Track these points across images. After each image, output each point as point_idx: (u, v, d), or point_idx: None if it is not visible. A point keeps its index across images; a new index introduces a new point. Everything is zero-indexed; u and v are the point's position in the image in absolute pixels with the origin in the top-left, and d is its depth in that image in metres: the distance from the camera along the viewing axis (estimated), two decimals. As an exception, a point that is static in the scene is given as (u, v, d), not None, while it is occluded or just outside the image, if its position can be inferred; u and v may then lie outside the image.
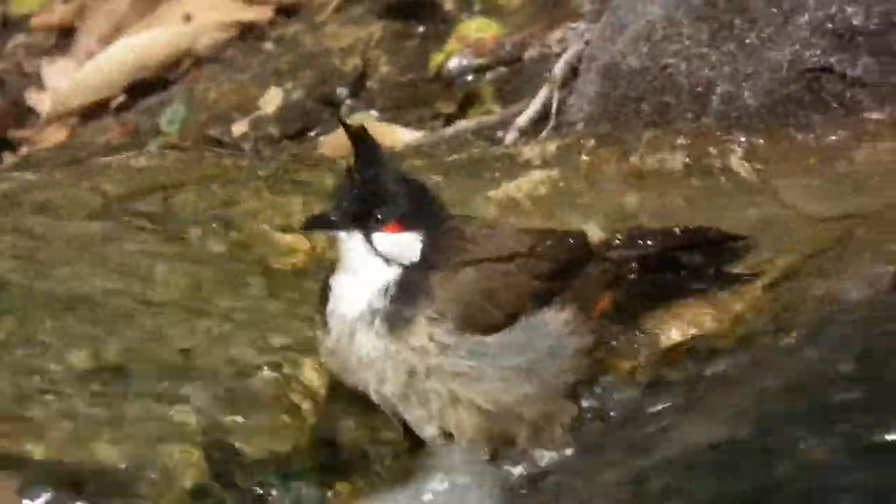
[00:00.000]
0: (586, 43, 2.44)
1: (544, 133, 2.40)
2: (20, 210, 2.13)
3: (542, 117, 2.44)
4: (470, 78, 2.67)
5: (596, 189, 2.15)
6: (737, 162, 2.16)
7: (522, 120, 2.44)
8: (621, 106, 2.31)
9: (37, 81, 3.12)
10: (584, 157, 2.19)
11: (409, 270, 1.88)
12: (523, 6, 2.77)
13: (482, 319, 1.87)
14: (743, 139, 2.17)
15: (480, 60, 2.69)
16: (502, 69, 2.65)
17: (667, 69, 2.28)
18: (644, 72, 2.29)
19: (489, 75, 2.66)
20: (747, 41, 2.24)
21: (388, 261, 1.89)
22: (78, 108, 2.97)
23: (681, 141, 2.17)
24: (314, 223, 1.91)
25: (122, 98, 2.97)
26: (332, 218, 1.90)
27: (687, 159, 2.17)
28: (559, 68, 2.46)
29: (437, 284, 1.87)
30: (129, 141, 2.83)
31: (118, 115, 2.94)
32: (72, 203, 2.15)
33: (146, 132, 2.84)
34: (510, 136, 2.45)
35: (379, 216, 1.89)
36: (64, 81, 3.01)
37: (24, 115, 3.08)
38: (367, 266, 1.88)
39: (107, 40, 3.06)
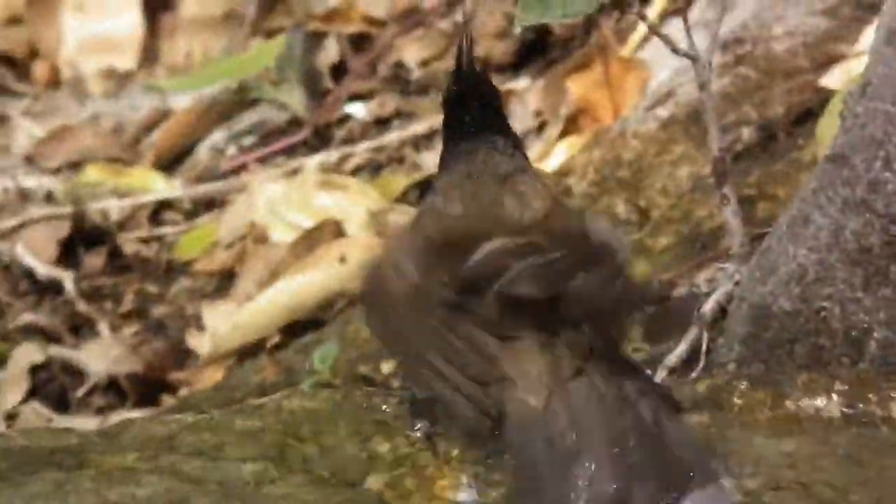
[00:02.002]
0: (736, 283, 2.33)
1: (694, 373, 2.28)
2: (176, 453, 2.05)
3: (692, 357, 2.33)
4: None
5: (749, 433, 2.01)
6: (899, 412, 2.01)
7: (671, 359, 2.32)
8: (773, 348, 2.19)
9: (197, 324, 3.12)
10: (736, 400, 2.05)
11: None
12: (671, 247, 2.69)
13: None
14: (904, 388, 2.02)
15: (629, 300, 2.57)
16: (651, 308, 2.54)
17: (820, 313, 2.16)
18: (796, 314, 2.17)
19: (637, 314, 2.55)
20: (903, 287, 2.11)
21: None
22: (235, 349, 2.94)
23: (838, 387, 2.02)
24: None
25: (277, 338, 2.93)
26: None
27: (845, 407, 2.02)
28: (708, 308, 2.35)
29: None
30: (283, 379, 2.78)
31: (273, 354, 2.90)
32: (225, 445, 2.07)
33: (299, 371, 2.78)
34: (659, 375, 2.33)
35: None
36: (223, 324, 2.99)
37: (184, 357, 3.08)
38: None
39: (265, 283, 3.05)
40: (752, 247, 2.37)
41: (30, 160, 3.64)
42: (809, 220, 2.18)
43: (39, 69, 3.93)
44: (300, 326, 2.93)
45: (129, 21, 3.91)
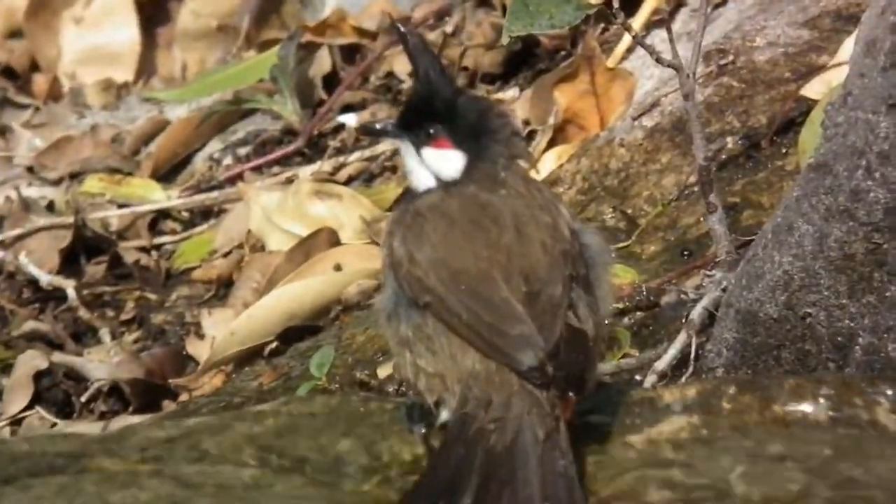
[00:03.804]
0: (723, 290, 2.31)
1: (683, 378, 2.26)
2: (177, 457, 2.04)
3: (681, 362, 2.31)
4: (607, 322, 2.55)
5: (739, 435, 1.99)
6: (884, 414, 1.97)
7: (661, 364, 2.30)
8: (760, 353, 2.17)
9: (196, 331, 3.10)
10: (725, 404, 2.03)
11: (447, 186, 1.91)
12: (658, 254, 2.67)
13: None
14: (889, 392, 1.98)
15: (618, 305, 2.56)
16: (640, 313, 2.52)
17: (806, 319, 2.14)
18: (783, 320, 2.15)
19: (626, 319, 2.53)
20: (887, 294, 2.08)
21: (434, 174, 1.90)
22: (234, 355, 2.92)
23: (824, 391, 1.99)
24: (368, 130, 1.96)
25: (274, 344, 2.91)
26: (387, 127, 1.94)
27: (832, 410, 1.99)
28: (697, 314, 2.33)
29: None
30: (281, 385, 2.76)
31: (270, 360, 2.88)
32: (224, 449, 2.05)
33: (297, 376, 2.77)
34: (649, 380, 2.31)
35: (430, 130, 1.90)
36: (221, 330, 2.97)
37: (184, 363, 3.06)
38: (418, 175, 1.91)
39: (262, 291, 3.03)
40: (739, 254, 2.35)
41: (32, 171, 3.62)
42: (794, 228, 2.16)
43: (40, 81, 3.91)
44: (297, 333, 2.90)
45: (127, 34, 3.90)
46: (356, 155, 3.41)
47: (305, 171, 3.39)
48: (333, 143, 3.47)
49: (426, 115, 1.92)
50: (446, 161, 1.92)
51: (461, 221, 1.91)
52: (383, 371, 2.65)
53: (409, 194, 1.97)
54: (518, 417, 1.84)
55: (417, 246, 1.92)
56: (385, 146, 3.40)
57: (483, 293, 1.88)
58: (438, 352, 1.90)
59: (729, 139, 2.79)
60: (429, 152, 1.93)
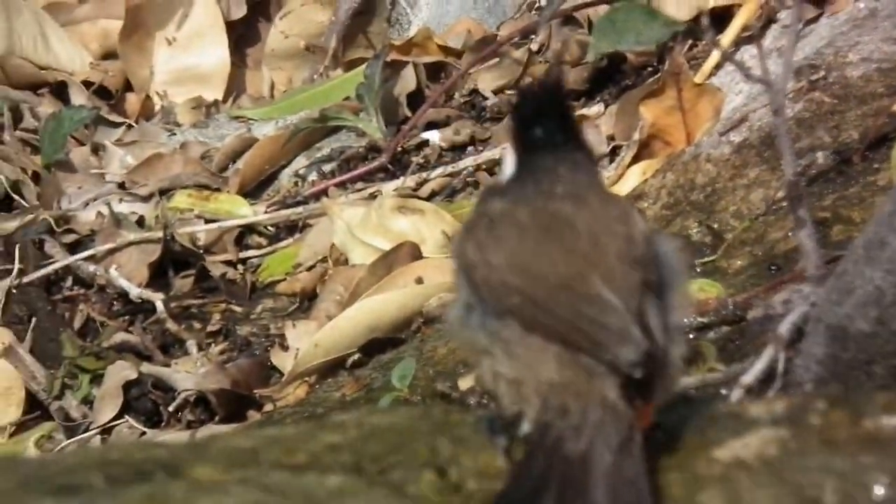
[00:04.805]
0: (812, 305, 2.23)
1: (771, 392, 2.17)
2: (262, 466, 1.99)
3: (768, 377, 2.22)
4: (692, 336, 2.47)
5: (830, 451, 1.89)
6: (982, 432, 1.88)
7: (748, 378, 2.22)
8: (852, 368, 2.09)
9: (280, 343, 3.09)
10: (813, 419, 1.94)
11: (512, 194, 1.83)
12: (745, 268, 2.59)
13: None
14: None
15: (703, 319, 2.49)
16: (725, 328, 2.45)
17: (898, 334, 2.05)
18: (874, 336, 2.07)
19: (712, 334, 2.46)
20: (984, 310, 2.00)
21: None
22: (317, 366, 2.90)
23: (920, 406, 1.91)
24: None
25: (357, 356, 2.88)
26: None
27: (928, 425, 1.90)
28: (785, 329, 2.25)
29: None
30: (363, 396, 2.73)
31: (353, 371, 2.86)
32: (308, 459, 1.99)
33: (379, 387, 2.74)
34: (735, 394, 2.23)
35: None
36: (305, 342, 2.95)
37: (268, 374, 3.05)
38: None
39: (345, 304, 3.02)
40: (828, 269, 2.27)
41: (123, 187, 3.63)
42: (886, 244, 2.08)
43: (132, 100, 3.92)
44: (379, 345, 2.89)
45: (217, 54, 3.90)
46: (439, 171, 3.39)
47: (388, 187, 3.38)
48: (416, 160, 3.46)
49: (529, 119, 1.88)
50: (508, 161, 1.88)
51: (532, 229, 1.84)
52: (464, 383, 2.61)
53: (483, 196, 1.92)
54: (594, 425, 1.76)
55: (494, 250, 1.85)
56: (468, 162, 3.38)
57: (577, 288, 1.80)
58: (518, 357, 1.82)
59: (819, 154, 2.72)
60: (506, 150, 1.92)
